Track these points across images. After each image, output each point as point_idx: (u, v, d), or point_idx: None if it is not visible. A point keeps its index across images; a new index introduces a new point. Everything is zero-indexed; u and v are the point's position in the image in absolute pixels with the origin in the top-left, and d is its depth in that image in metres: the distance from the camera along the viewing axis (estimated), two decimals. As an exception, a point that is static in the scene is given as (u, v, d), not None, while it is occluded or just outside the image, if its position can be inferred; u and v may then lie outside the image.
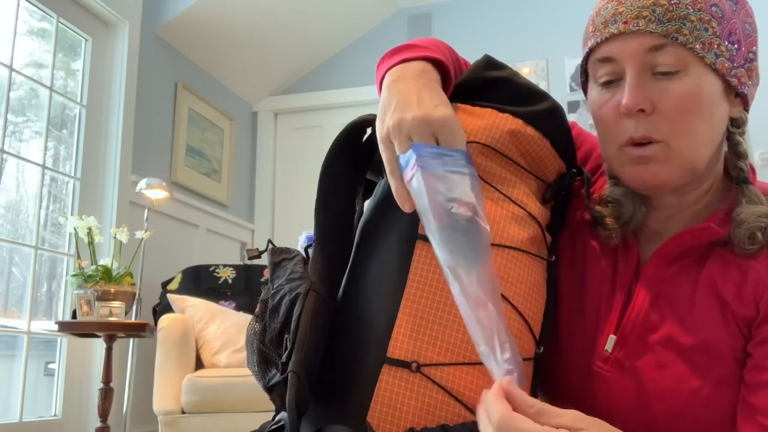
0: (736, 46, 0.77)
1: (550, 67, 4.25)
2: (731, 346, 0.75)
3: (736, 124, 0.82)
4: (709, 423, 0.74)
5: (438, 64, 0.78)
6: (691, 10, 0.74)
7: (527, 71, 4.23)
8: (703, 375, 0.75)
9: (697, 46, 0.74)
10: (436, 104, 0.69)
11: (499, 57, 0.86)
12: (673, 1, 0.74)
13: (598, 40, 0.78)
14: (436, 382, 0.67)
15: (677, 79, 0.75)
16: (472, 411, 0.67)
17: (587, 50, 0.82)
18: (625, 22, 0.76)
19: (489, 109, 0.78)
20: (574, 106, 4.09)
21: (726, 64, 0.76)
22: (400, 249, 0.73)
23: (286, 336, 0.72)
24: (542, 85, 4.16)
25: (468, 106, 0.80)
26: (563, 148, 0.82)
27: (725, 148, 0.83)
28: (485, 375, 0.68)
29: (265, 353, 0.75)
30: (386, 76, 0.76)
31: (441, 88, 0.76)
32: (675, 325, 0.77)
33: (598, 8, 0.80)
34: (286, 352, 0.70)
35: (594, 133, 0.96)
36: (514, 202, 0.77)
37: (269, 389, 0.75)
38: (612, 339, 0.80)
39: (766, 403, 0.71)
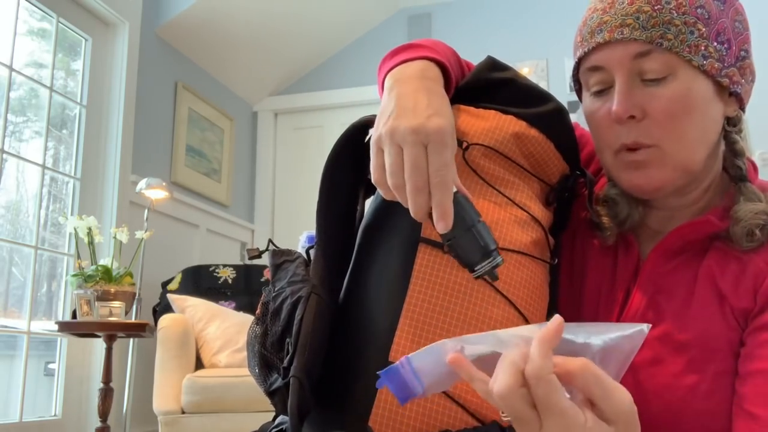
0: (725, 45, 0.77)
1: (550, 67, 4.24)
2: (729, 340, 0.75)
3: (732, 123, 0.82)
4: (710, 415, 0.74)
5: (437, 64, 0.77)
6: (676, 14, 0.74)
7: (527, 71, 4.23)
8: (700, 369, 0.75)
9: (684, 49, 0.74)
10: (431, 114, 0.66)
11: (499, 57, 0.86)
12: (656, 7, 0.74)
13: (586, 49, 0.79)
14: None
15: (666, 84, 0.75)
16: (474, 416, 0.67)
17: (576, 60, 0.83)
18: (610, 31, 0.76)
19: (492, 111, 0.78)
20: (574, 106, 4.08)
21: (715, 65, 0.76)
22: (402, 252, 0.72)
23: (287, 340, 0.72)
24: (542, 86, 4.15)
25: (471, 108, 0.80)
26: (567, 149, 0.82)
27: (723, 147, 0.83)
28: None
29: (266, 357, 0.75)
30: (387, 77, 0.75)
31: (442, 86, 0.74)
32: (673, 320, 0.78)
33: (585, 18, 0.81)
34: (288, 356, 0.70)
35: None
36: (517, 205, 0.76)
37: (271, 394, 0.74)
38: None
39: (753, 391, 0.71)
